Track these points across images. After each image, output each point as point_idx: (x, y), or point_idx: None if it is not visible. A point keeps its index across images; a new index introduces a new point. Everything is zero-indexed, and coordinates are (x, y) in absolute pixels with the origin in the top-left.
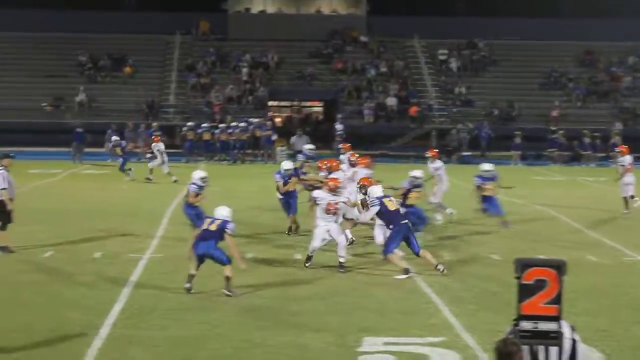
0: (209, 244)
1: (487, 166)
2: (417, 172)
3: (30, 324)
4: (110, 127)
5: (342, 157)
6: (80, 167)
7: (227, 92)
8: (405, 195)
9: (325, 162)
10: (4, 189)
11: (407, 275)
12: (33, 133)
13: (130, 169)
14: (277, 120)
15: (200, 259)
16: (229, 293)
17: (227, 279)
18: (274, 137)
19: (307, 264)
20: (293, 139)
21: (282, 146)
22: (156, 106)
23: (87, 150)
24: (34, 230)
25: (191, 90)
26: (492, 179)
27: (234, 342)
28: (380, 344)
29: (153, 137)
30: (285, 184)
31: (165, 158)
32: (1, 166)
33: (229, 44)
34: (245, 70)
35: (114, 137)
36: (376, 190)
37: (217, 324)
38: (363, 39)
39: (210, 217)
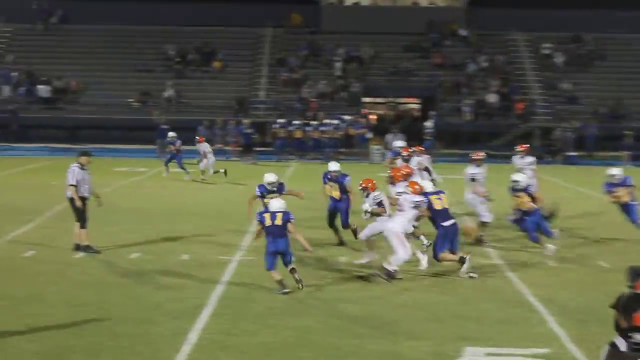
0: (285, 242)
1: (613, 171)
2: (518, 176)
3: (116, 328)
4: (201, 124)
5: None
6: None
7: (320, 88)
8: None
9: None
10: (73, 185)
11: (468, 264)
12: (120, 129)
13: (187, 170)
14: (372, 117)
15: (274, 257)
16: (285, 291)
17: (293, 270)
18: (369, 135)
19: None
20: (388, 137)
21: (376, 145)
22: (246, 102)
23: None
24: (120, 231)
25: (282, 86)
26: (621, 183)
27: (325, 350)
28: (482, 354)
29: (197, 137)
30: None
31: (211, 160)
32: (77, 163)
33: (322, 38)
34: (338, 64)
35: (171, 134)
36: (426, 186)
37: (308, 330)
38: (462, 32)
39: (267, 212)
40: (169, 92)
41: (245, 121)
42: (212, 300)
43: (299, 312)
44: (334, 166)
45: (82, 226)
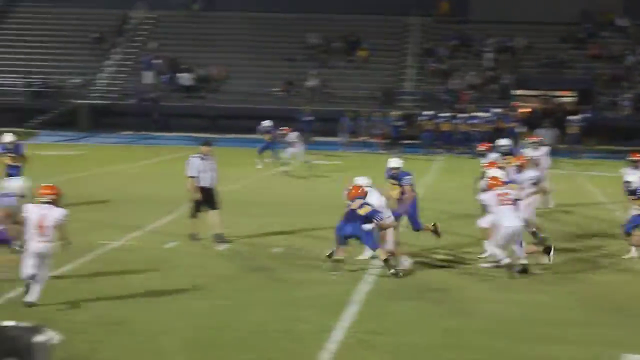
0: (355, 226)
1: None
2: (631, 176)
3: (263, 324)
4: (345, 115)
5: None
6: (310, 157)
7: (468, 79)
8: None
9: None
10: (192, 177)
11: (551, 254)
12: (261, 119)
13: (285, 162)
14: (523, 110)
15: (345, 241)
16: (396, 272)
17: (386, 261)
18: (520, 129)
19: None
20: (540, 131)
21: (528, 139)
22: (392, 93)
23: (316, 139)
24: (267, 223)
25: (430, 77)
26: None
27: (475, 352)
28: None
29: (283, 128)
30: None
31: (298, 150)
32: (199, 153)
33: (471, 27)
34: (488, 55)
35: (265, 123)
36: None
37: (458, 331)
38: (620, 22)
39: (361, 199)
40: (312, 82)
41: (394, 113)
42: (358, 297)
43: (448, 313)
44: (394, 163)
45: (193, 215)
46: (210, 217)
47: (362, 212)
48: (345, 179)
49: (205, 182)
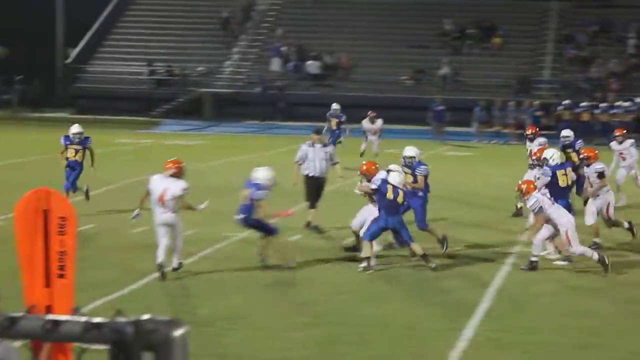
0: (400, 220)
1: None
2: None
3: (387, 320)
4: (478, 104)
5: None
6: (442, 148)
7: (610, 67)
8: None
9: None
10: (296, 162)
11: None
12: (391, 109)
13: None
14: None
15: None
16: (433, 266)
17: (424, 256)
18: None
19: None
20: None
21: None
22: (528, 82)
23: (449, 129)
24: None
25: (569, 64)
26: None
27: (619, 354)
28: None
29: (371, 112)
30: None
31: (376, 138)
32: (309, 141)
33: (613, 11)
34: (632, 42)
35: (335, 106)
36: (556, 158)
37: (598, 331)
38: None
39: (390, 184)
40: (444, 70)
41: (534, 102)
42: (489, 294)
43: (582, 311)
44: (410, 151)
45: (312, 206)
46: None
47: (400, 199)
48: (471, 169)
49: (309, 171)
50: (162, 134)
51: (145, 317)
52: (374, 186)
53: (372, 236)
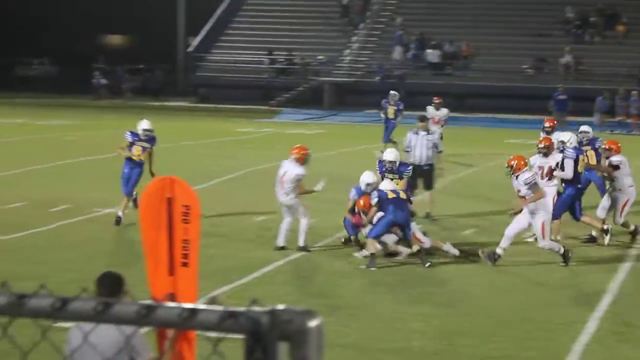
0: (408, 215)
1: None
2: None
3: (509, 311)
4: (601, 94)
5: None
6: None
7: None
8: None
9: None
10: (405, 150)
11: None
12: (511, 98)
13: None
14: None
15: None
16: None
17: (420, 251)
18: None
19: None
20: None
21: None
22: None
23: (570, 119)
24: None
25: None
26: None
27: None
28: None
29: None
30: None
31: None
32: (415, 129)
33: None
34: None
35: (392, 92)
36: (573, 141)
37: None
38: None
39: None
40: (566, 59)
41: None
42: (613, 287)
43: None
44: (390, 155)
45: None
46: (427, 196)
47: (404, 196)
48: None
49: (415, 159)
50: (282, 122)
51: (281, 306)
52: (374, 201)
53: (379, 234)
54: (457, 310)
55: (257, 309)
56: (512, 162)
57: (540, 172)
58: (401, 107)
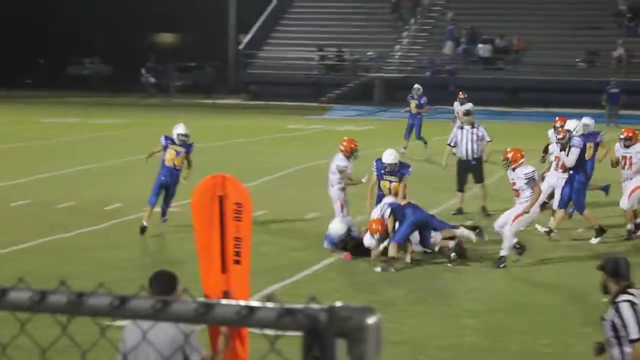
0: (426, 213)
1: None
2: None
3: (561, 308)
4: None
5: None
6: (617, 132)
7: None
8: None
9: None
10: (449, 145)
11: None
12: (563, 92)
13: (425, 141)
14: None
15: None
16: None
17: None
18: None
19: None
20: None
21: None
22: None
23: (622, 112)
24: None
25: None
26: None
27: None
28: None
29: (461, 92)
30: None
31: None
32: (461, 123)
33: None
34: None
35: (416, 86)
36: (580, 129)
37: None
38: None
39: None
40: (618, 52)
41: None
42: None
43: None
44: (388, 156)
45: (459, 189)
46: (479, 190)
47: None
48: None
49: (461, 153)
50: (333, 119)
51: (339, 303)
52: (387, 213)
53: (404, 237)
54: (508, 306)
55: (314, 306)
56: (509, 155)
57: (556, 161)
58: (422, 100)
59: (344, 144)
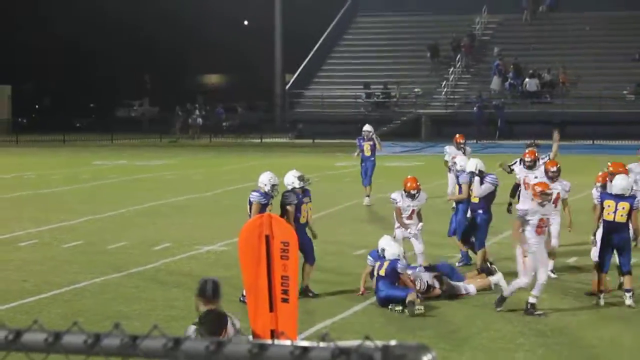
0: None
1: None
2: None
3: (616, 339)
4: None
5: None
6: None
7: None
8: None
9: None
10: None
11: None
12: (612, 125)
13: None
14: None
15: None
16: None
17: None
18: None
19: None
20: None
21: None
22: None
23: None
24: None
25: None
26: None
27: None
28: None
29: (459, 135)
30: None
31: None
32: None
33: None
34: None
35: (367, 128)
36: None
37: None
38: None
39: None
40: None
41: None
42: None
43: None
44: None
45: None
46: None
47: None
48: None
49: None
50: (381, 156)
51: (393, 342)
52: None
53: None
54: (562, 339)
55: (369, 344)
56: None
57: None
58: (378, 141)
59: (407, 183)
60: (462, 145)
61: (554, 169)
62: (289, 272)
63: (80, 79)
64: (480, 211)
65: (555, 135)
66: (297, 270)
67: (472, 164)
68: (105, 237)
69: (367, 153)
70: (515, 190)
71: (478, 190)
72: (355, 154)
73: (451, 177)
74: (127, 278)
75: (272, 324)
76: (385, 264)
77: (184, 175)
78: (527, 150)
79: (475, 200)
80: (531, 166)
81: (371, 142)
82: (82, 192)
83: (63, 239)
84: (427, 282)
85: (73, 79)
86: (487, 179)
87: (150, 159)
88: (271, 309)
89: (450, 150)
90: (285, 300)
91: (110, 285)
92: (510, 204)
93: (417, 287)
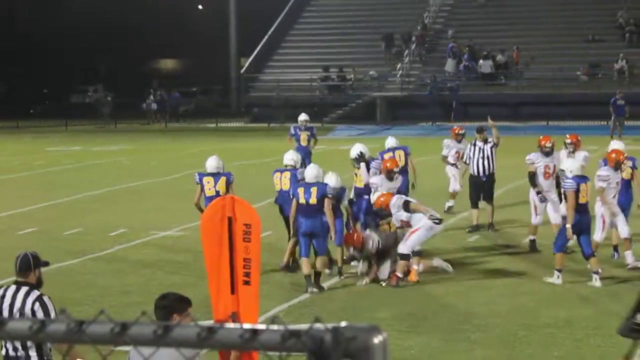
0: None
1: None
2: None
3: (571, 320)
4: None
5: None
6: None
7: None
8: None
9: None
10: (465, 162)
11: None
12: (566, 105)
13: None
14: None
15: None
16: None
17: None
18: None
19: None
20: None
21: None
22: None
23: (628, 124)
24: None
25: None
26: None
27: None
28: None
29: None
30: None
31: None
32: (474, 140)
33: None
34: None
35: (302, 117)
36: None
37: None
38: None
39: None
40: (620, 64)
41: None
42: None
43: None
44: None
45: (473, 206)
46: (487, 207)
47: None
48: None
49: (474, 170)
50: (337, 139)
51: (344, 323)
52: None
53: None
54: (518, 319)
55: (319, 327)
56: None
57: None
58: (314, 131)
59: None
60: (461, 137)
61: (549, 144)
62: (251, 254)
63: (33, 64)
64: (367, 197)
65: (489, 121)
66: (260, 253)
67: (356, 148)
68: (61, 223)
69: (304, 143)
70: (532, 179)
71: (366, 177)
72: (289, 141)
73: (450, 170)
74: (83, 264)
75: (234, 306)
76: (314, 190)
77: (139, 160)
78: (541, 137)
79: (360, 185)
80: (549, 152)
81: (308, 133)
82: (36, 178)
83: (18, 225)
84: (378, 241)
85: (26, 65)
86: (373, 164)
87: (105, 145)
88: (233, 291)
89: (448, 143)
90: (247, 283)
91: (66, 272)
92: (539, 192)
93: (369, 247)
